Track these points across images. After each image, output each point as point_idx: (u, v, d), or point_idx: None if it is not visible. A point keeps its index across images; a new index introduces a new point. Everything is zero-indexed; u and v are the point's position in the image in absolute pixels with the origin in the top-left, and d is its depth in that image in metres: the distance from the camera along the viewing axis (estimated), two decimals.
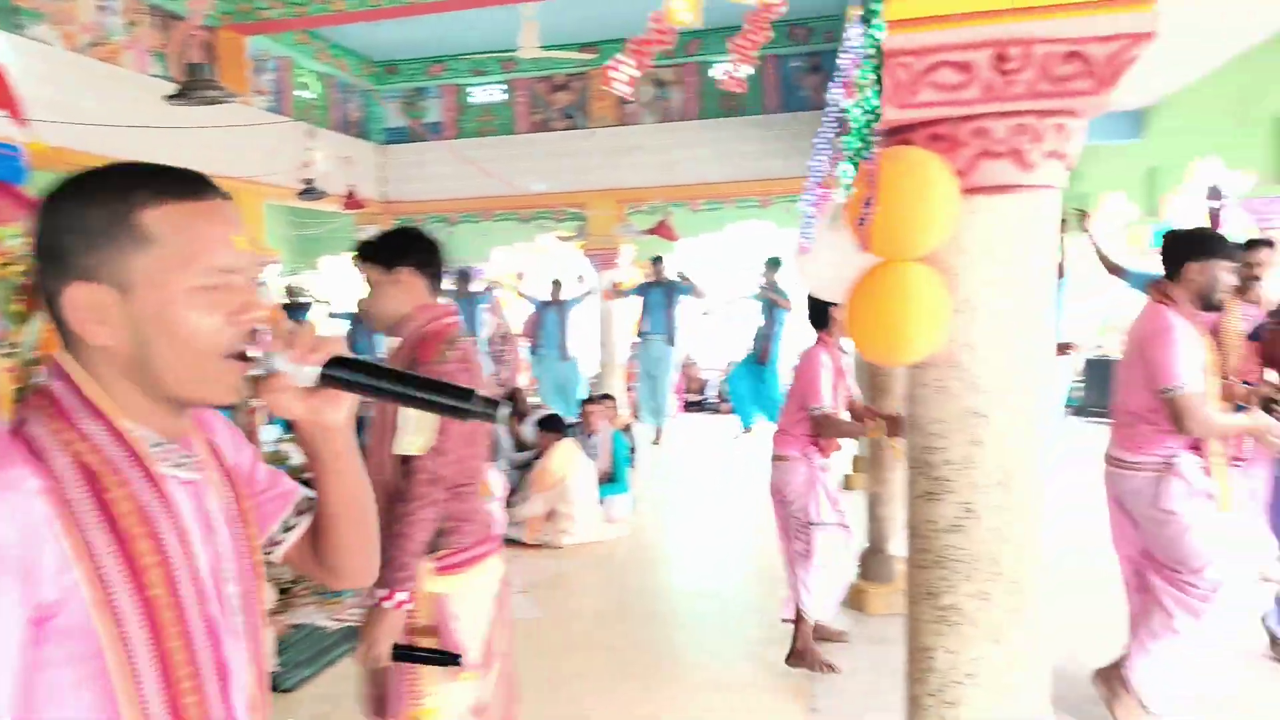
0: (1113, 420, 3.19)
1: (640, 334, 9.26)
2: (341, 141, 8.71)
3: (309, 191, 7.47)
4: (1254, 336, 3.69)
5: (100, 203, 0.88)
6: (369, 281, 2.22)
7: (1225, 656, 3.49)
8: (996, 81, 1.49)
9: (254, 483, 1.12)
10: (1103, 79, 1.48)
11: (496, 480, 5.30)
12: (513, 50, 6.44)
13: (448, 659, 1.98)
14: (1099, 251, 5.62)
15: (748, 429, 8.88)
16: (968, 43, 1.49)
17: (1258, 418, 3.02)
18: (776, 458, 3.81)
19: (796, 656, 3.78)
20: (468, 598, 2.13)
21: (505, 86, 9.12)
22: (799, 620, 3.78)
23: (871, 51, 1.28)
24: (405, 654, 2.01)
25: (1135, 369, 3.01)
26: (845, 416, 3.83)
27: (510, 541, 5.62)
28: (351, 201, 8.17)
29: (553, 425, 6.10)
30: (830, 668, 3.70)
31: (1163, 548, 2.99)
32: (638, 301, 9.27)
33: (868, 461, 4.98)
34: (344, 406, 0.95)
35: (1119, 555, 3.22)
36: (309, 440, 1.00)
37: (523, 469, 6.43)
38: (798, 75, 8.34)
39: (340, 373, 0.89)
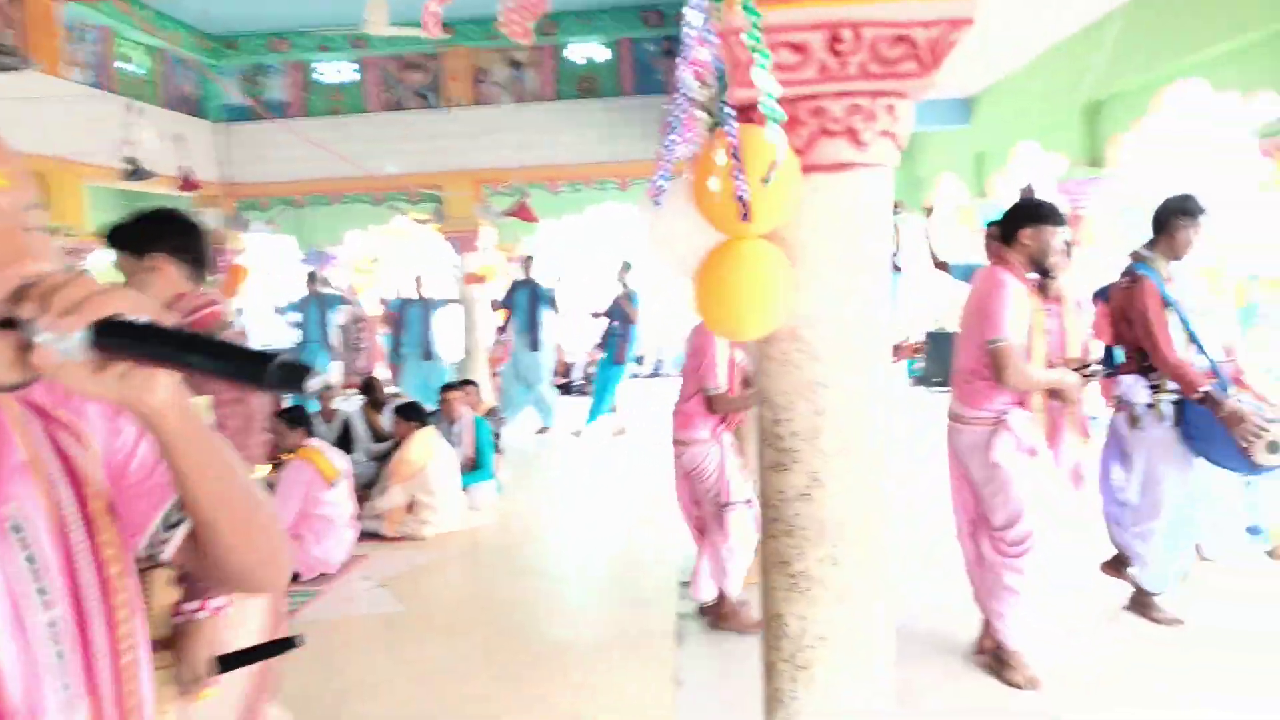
0: (954, 380, 3.41)
1: (501, 334, 9.11)
2: (174, 120, 8.11)
3: (135, 173, 6.91)
4: (1102, 296, 3.90)
5: None
6: (120, 269, 2.03)
7: (1086, 613, 3.82)
8: (831, 62, 1.54)
9: (125, 475, 0.93)
10: (928, 61, 1.55)
11: (341, 460, 5.12)
12: (357, 26, 6.16)
13: (285, 645, 1.73)
14: (929, 246, 5.97)
15: (590, 423, 8.78)
16: (803, 24, 1.53)
17: (1066, 375, 3.28)
18: (684, 441, 3.83)
19: (725, 619, 3.89)
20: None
21: (355, 65, 8.73)
22: (721, 596, 3.90)
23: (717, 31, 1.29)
24: (235, 660, 1.78)
25: (973, 329, 3.22)
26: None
27: (370, 535, 5.45)
28: (187, 183, 7.61)
29: (411, 413, 5.92)
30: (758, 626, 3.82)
31: (989, 501, 3.22)
32: (502, 296, 9.11)
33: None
34: (160, 383, 0.75)
35: (955, 509, 3.44)
36: (144, 428, 0.82)
37: (381, 460, 6.23)
38: (652, 59, 8.41)
39: (110, 339, 0.71)
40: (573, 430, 8.83)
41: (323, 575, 4.85)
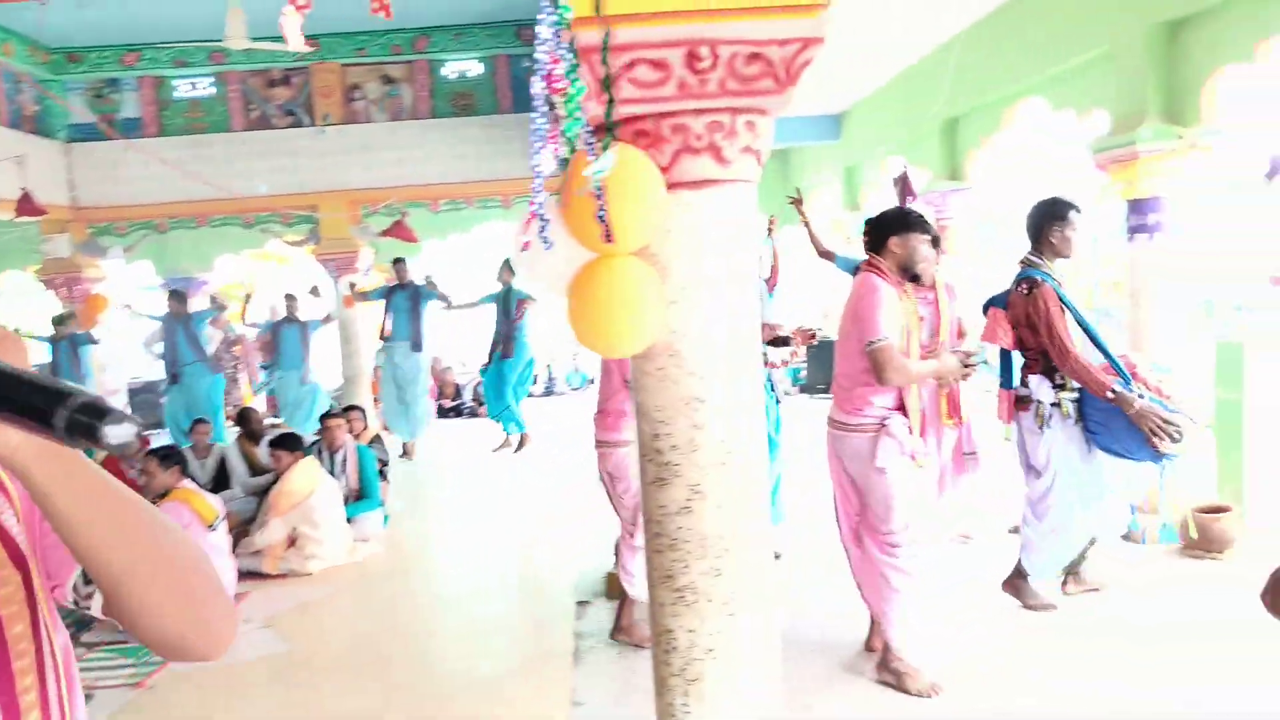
0: (834, 388, 3.47)
1: (385, 340, 8.75)
2: (11, 138, 7.52)
3: None
4: (997, 304, 3.94)
5: None
6: None
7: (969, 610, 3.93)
8: (690, 79, 1.56)
9: (38, 521, 0.81)
10: (784, 79, 1.59)
11: (217, 501, 4.85)
12: (219, 40, 5.89)
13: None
14: (812, 235, 6.09)
15: (509, 435, 8.49)
16: (662, 41, 1.54)
17: (945, 360, 3.39)
18: (606, 443, 3.74)
19: (623, 632, 3.85)
20: None
21: (213, 80, 8.32)
22: (625, 598, 3.85)
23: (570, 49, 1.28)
24: None
25: (850, 335, 3.30)
26: None
27: (249, 574, 5.17)
28: (26, 206, 7.05)
29: (288, 444, 5.66)
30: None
31: (874, 506, 3.30)
32: (381, 305, 8.76)
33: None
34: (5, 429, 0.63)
35: (838, 513, 3.50)
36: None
37: (259, 494, 5.92)
38: (529, 75, 8.35)
39: None
40: (492, 448, 8.62)
41: None
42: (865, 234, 3.48)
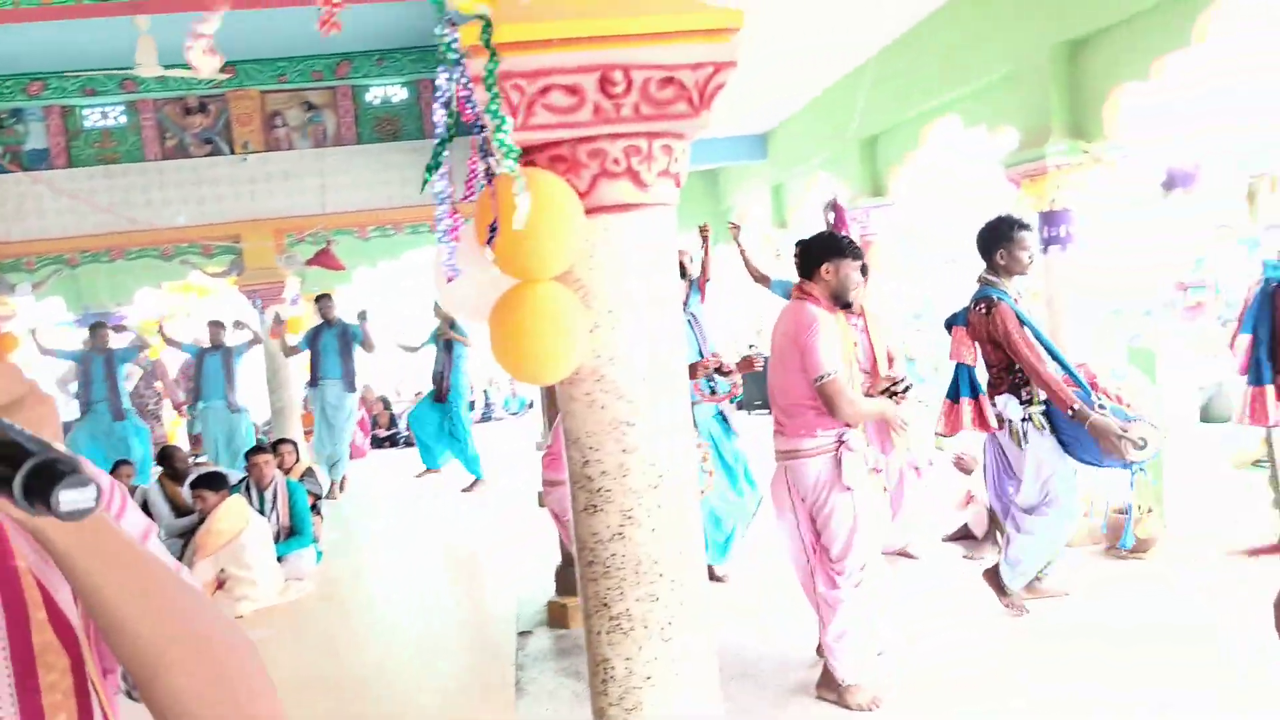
0: (776, 417, 3.34)
1: (313, 385, 8.54)
2: None
3: None
4: (958, 321, 3.97)
5: None
6: None
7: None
8: (605, 104, 1.56)
9: None
10: (698, 103, 1.60)
11: None
12: (129, 68, 5.70)
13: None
14: (747, 262, 6.17)
15: (431, 469, 8.32)
16: (575, 67, 1.53)
17: (886, 405, 3.33)
18: (554, 482, 3.62)
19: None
20: None
21: (125, 108, 8.05)
22: None
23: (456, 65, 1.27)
24: None
25: (790, 362, 3.20)
26: None
27: None
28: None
29: (211, 483, 5.46)
30: None
31: (832, 533, 3.18)
32: (307, 354, 8.51)
33: None
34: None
35: (794, 560, 3.38)
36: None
37: (184, 536, 5.69)
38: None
39: None
40: (415, 474, 8.41)
41: None
42: (795, 258, 3.43)
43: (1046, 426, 3.75)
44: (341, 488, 8.41)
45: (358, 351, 8.34)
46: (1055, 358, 3.71)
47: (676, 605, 1.96)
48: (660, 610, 1.95)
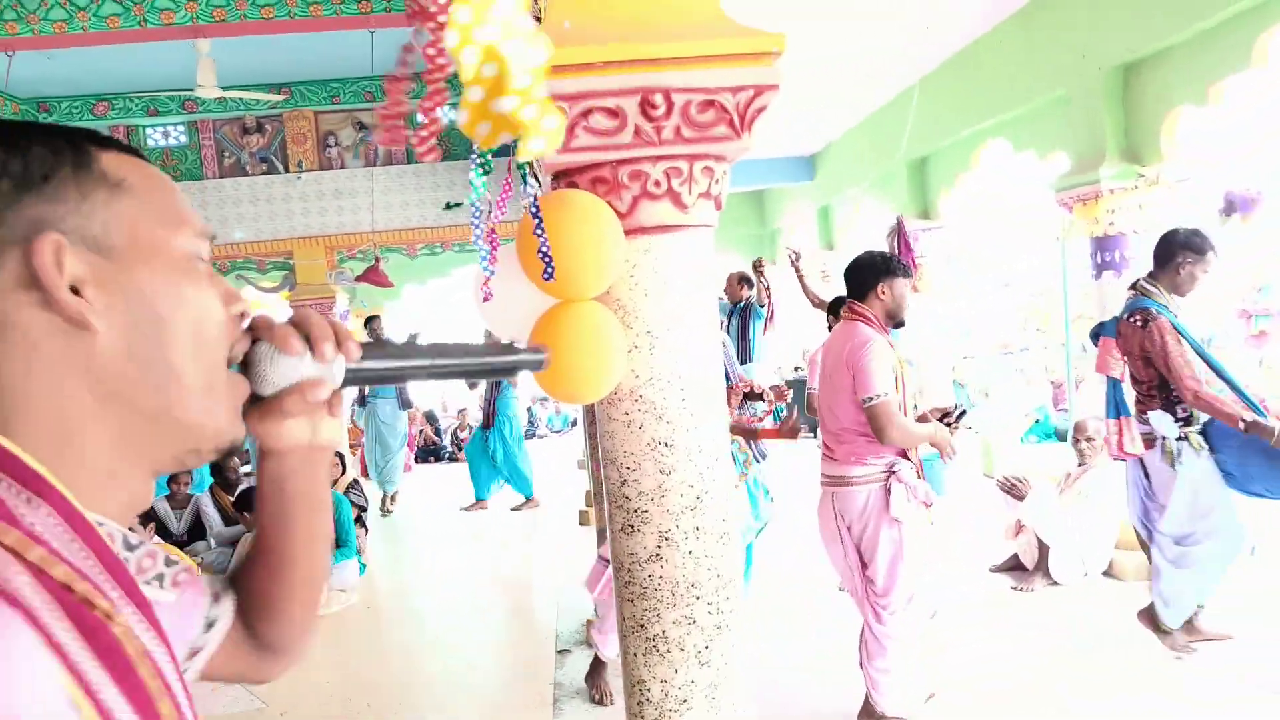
0: (825, 442, 3.26)
1: (363, 398, 8.66)
2: None
3: None
4: (1108, 333, 3.71)
5: (35, 139, 0.58)
6: None
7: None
8: (646, 127, 1.57)
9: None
10: (739, 125, 1.60)
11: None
12: (190, 89, 5.91)
13: None
14: (805, 287, 6.13)
15: (480, 499, 8.16)
16: (616, 90, 1.55)
17: (939, 431, 3.22)
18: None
19: (599, 690, 3.75)
20: None
21: (186, 128, 8.33)
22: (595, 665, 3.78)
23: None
24: None
25: (841, 384, 3.12)
26: None
27: None
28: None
29: (249, 503, 5.58)
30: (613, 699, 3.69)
31: (877, 565, 3.10)
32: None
33: (594, 495, 5.07)
34: (334, 424, 0.75)
35: (847, 585, 3.31)
36: (291, 474, 0.76)
37: (234, 545, 5.81)
38: None
39: (372, 364, 0.70)
40: (461, 506, 8.30)
41: None
42: (846, 278, 3.36)
43: (1205, 448, 3.43)
44: (393, 501, 8.50)
45: None
46: (1222, 376, 3.40)
47: (713, 629, 1.94)
48: (697, 634, 1.93)
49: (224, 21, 4.62)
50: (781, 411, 4.51)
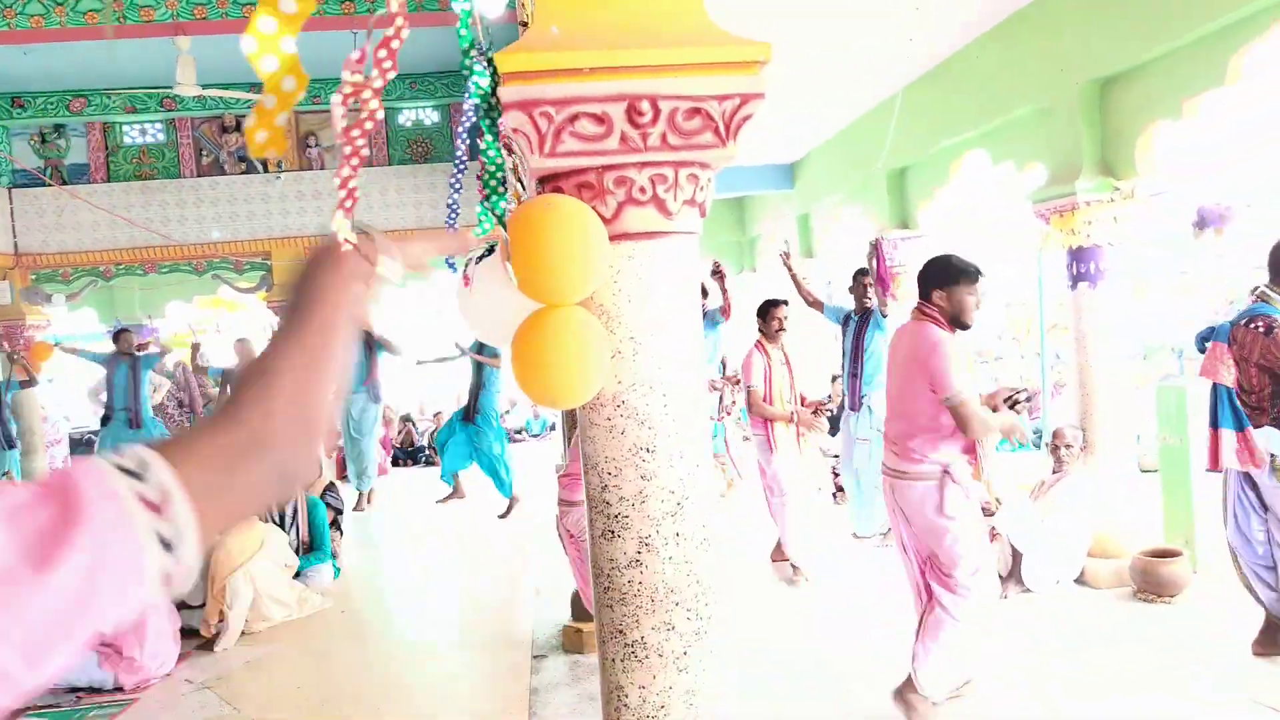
0: (889, 432, 3.37)
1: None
2: None
3: None
4: (1218, 337, 3.62)
5: None
6: None
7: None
8: (632, 134, 1.57)
9: None
10: (724, 134, 1.61)
11: None
12: (169, 87, 5.85)
13: None
14: (799, 287, 6.16)
15: (452, 488, 8.21)
16: (603, 96, 1.55)
17: (1012, 417, 3.34)
18: (569, 503, 3.65)
19: None
20: None
21: (164, 126, 8.24)
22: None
23: (481, 101, 1.28)
24: None
25: (912, 383, 3.23)
26: None
27: (190, 632, 4.98)
28: None
29: None
30: None
31: (938, 551, 3.23)
32: None
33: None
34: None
35: (906, 561, 3.43)
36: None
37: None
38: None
39: None
40: (436, 499, 8.32)
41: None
42: (917, 281, 3.39)
43: None
44: (369, 500, 8.43)
45: (381, 364, 8.34)
46: None
47: (692, 635, 1.94)
48: (676, 640, 1.93)
49: (205, 19, 4.58)
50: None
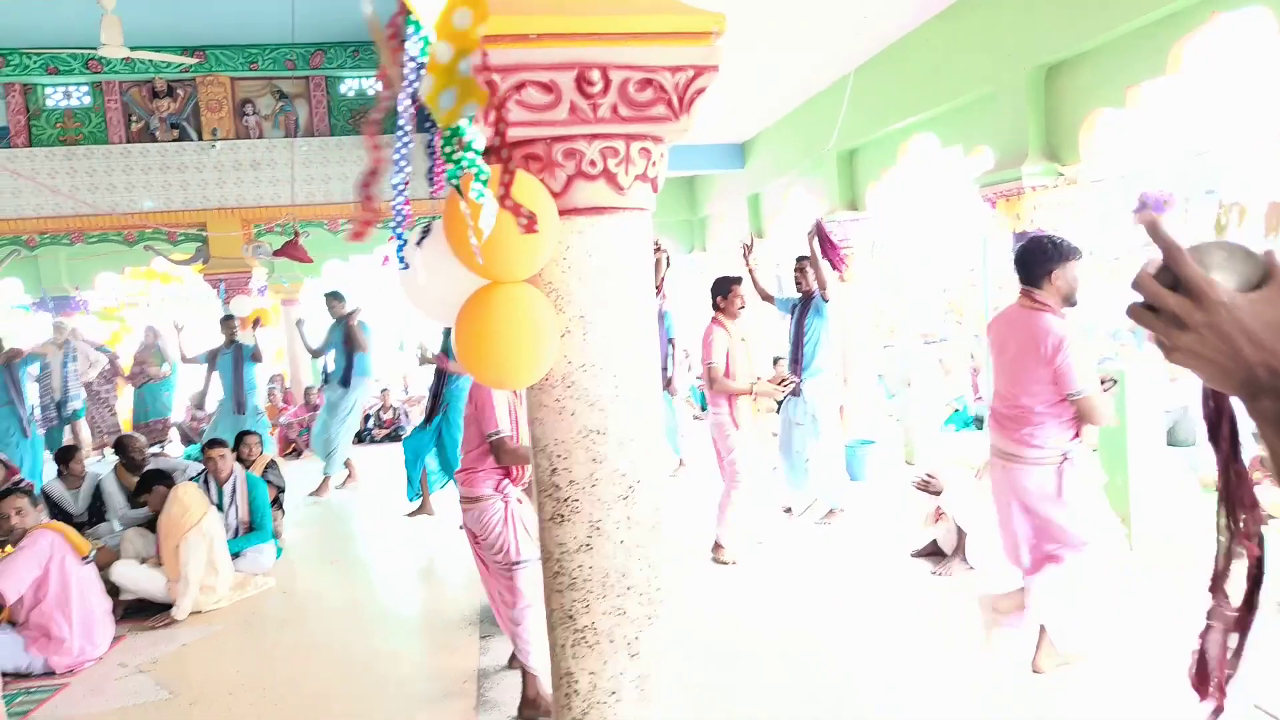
0: (998, 414, 3.38)
1: (326, 375, 8.18)
2: None
3: None
4: None
5: None
6: None
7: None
8: (582, 104, 1.51)
9: None
10: (677, 106, 1.55)
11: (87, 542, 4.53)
12: (94, 48, 5.56)
13: None
14: (755, 282, 6.13)
15: (419, 504, 7.34)
16: (552, 64, 1.48)
17: (1109, 398, 3.34)
18: (468, 499, 3.49)
19: (530, 705, 3.48)
20: None
21: (89, 89, 7.85)
22: (525, 671, 3.52)
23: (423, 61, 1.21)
24: None
25: (1029, 374, 3.22)
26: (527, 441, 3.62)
27: (130, 614, 4.86)
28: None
29: (151, 483, 5.38)
30: None
31: (1062, 529, 3.28)
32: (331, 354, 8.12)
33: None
34: None
35: (1008, 545, 3.49)
36: None
37: (141, 526, 5.54)
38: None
39: None
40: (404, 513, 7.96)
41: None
42: (1017, 268, 3.34)
43: None
44: (324, 489, 8.07)
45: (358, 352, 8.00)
46: None
47: (644, 620, 1.91)
48: (627, 625, 1.90)
49: None
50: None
